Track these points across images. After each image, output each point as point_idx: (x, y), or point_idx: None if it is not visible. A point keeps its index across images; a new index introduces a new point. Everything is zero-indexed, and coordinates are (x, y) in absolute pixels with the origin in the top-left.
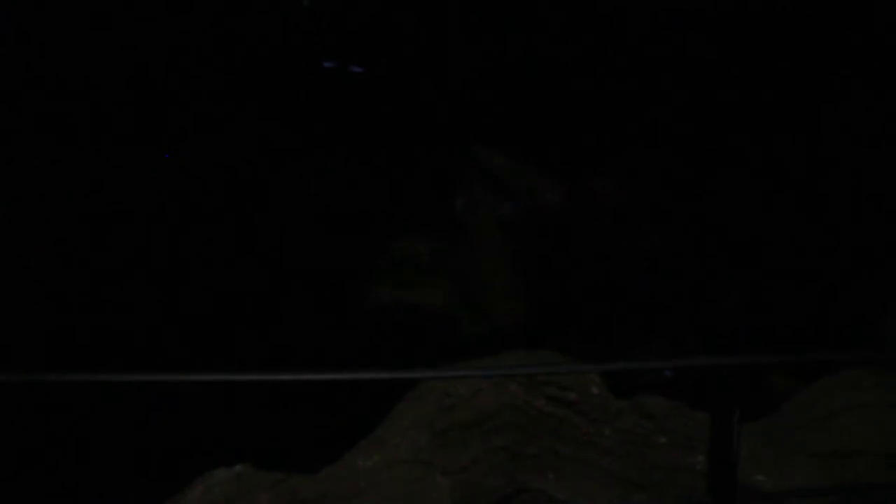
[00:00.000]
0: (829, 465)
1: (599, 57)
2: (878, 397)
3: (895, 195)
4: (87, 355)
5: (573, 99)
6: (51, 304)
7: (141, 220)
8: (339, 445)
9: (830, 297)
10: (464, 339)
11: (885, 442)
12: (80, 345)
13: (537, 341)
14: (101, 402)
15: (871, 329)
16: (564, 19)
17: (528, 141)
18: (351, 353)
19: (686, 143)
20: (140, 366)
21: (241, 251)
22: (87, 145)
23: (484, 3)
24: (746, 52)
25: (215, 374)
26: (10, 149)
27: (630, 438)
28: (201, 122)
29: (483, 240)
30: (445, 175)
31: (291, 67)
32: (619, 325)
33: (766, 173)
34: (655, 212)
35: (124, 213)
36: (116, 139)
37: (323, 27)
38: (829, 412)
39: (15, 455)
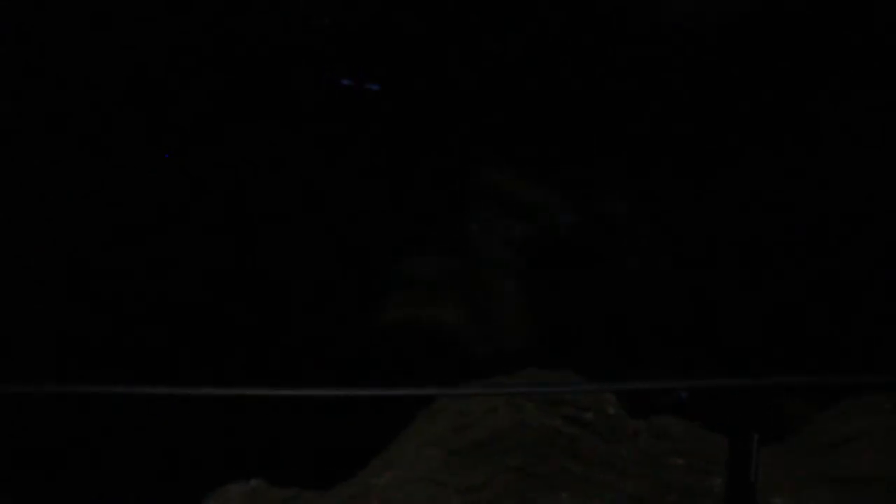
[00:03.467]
0: (847, 490)
1: (611, 73)
2: None
3: None
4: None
5: (586, 118)
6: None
7: (133, 228)
8: (352, 463)
9: (848, 311)
10: (476, 358)
11: None
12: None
13: (550, 361)
14: (112, 413)
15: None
16: (575, 37)
17: (540, 160)
18: (363, 371)
19: (697, 156)
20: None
21: (249, 266)
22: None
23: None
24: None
25: (225, 388)
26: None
27: (646, 459)
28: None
29: (495, 259)
30: (457, 194)
31: (293, 80)
32: (632, 345)
33: (774, 179)
34: (668, 230)
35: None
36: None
37: (324, 38)
38: (849, 436)
39: (17, 463)
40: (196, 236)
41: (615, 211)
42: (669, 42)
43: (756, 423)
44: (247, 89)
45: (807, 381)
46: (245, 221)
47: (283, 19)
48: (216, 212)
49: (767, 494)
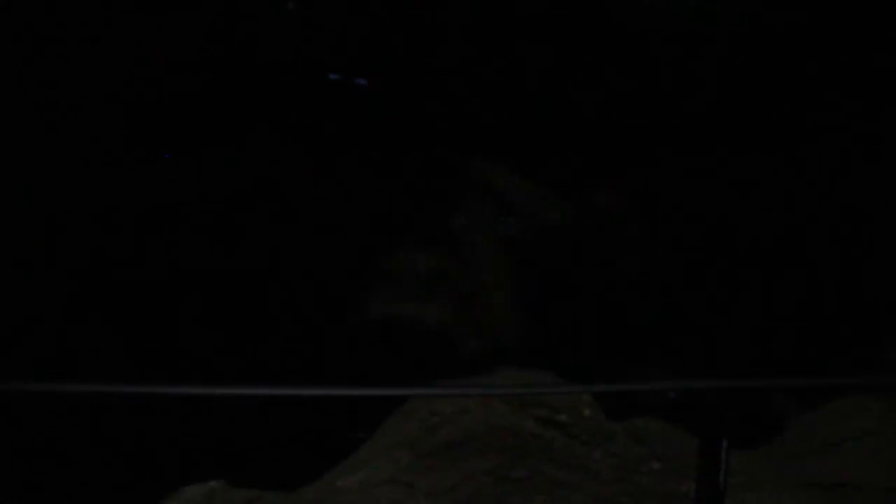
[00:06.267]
0: (827, 495)
1: (602, 67)
2: (884, 425)
3: None
4: None
5: (576, 112)
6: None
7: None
8: (319, 464)
9: (837, 315)
10: (461, 356)
11: (888, 474)
12: None
13: (536, 360)
14: (67, 413)
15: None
16: (566, 30)
17: (530, 155)
18: (345, 368)
19: (694, 155)
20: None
21: (236, 262)
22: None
23: (483, 16)
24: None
25: (195, 387)
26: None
27: (622, 463)
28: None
29: (482, 256)
30: (445, 190)
31: (284, 76)
32: (620, 346)
33: (773, 179)
34: (660, 229)
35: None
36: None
37: (315, 34)
38: (833, 440)
39: None
40: (187, 234)
41: (609, 208)
42: (669, 41)
43: (725, 428)
44: (240, 87)
45: (785, 384)
46: (236, 218)
47: (273, 15)
48: (207, 210)
49: (745, 497)
